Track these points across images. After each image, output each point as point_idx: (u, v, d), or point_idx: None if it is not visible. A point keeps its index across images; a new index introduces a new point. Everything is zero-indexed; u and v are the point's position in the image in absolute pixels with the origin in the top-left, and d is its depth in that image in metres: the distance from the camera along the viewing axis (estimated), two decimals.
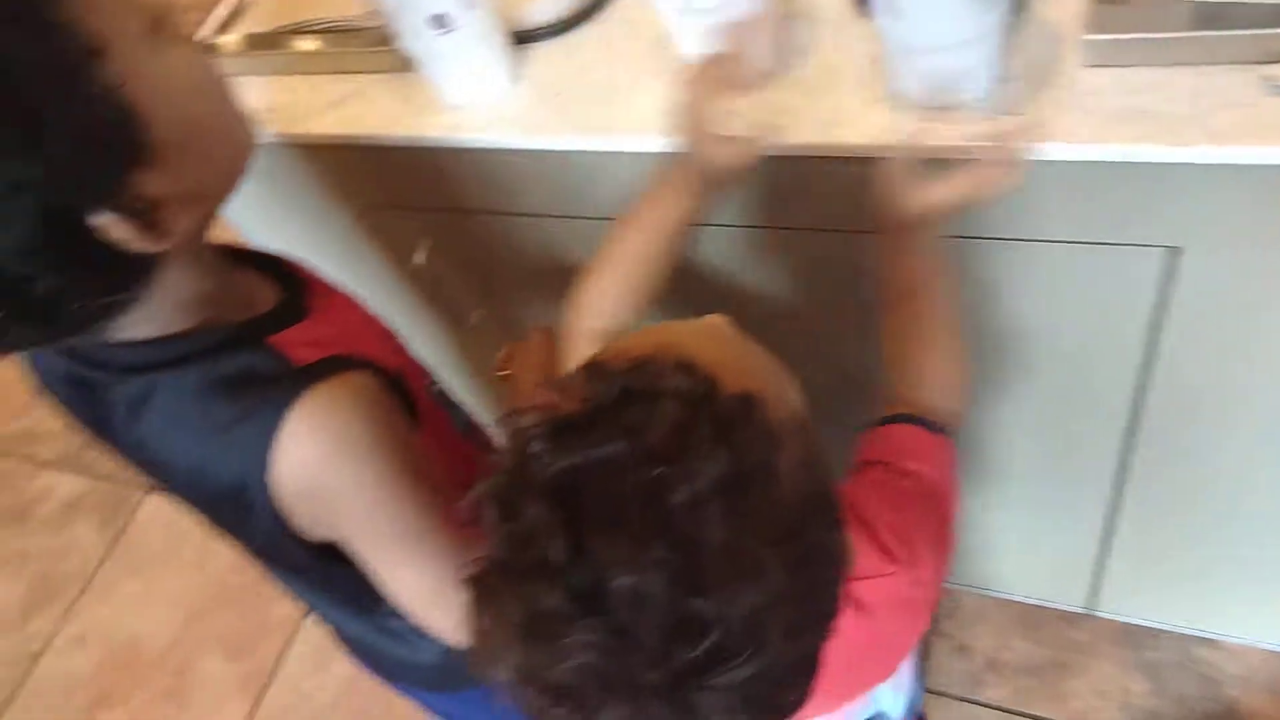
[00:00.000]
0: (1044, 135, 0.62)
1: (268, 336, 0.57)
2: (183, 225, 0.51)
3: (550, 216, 0.88)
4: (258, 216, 1.02)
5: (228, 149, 0.55)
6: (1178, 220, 0.67)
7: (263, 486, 0.54)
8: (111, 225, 0.47)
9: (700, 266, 0.88)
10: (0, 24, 0.42)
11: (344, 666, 1.55)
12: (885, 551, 0.57)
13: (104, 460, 2.08)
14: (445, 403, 0.79)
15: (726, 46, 0.67)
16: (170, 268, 0.53)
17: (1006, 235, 0.73)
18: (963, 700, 1.26)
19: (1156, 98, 0.61)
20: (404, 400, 0.61)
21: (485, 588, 0.43)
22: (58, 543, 1.91)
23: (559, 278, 0.97)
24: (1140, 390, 0.82)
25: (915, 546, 0.58)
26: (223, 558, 1.77)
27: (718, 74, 0.64)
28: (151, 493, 1.92)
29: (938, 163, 0.61)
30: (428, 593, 0.61)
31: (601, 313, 0.69)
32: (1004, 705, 1.25)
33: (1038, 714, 1.23)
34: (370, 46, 0.87)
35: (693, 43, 0.73)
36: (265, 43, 0.94)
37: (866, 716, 0.68)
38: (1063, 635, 1.28)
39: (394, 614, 0.75)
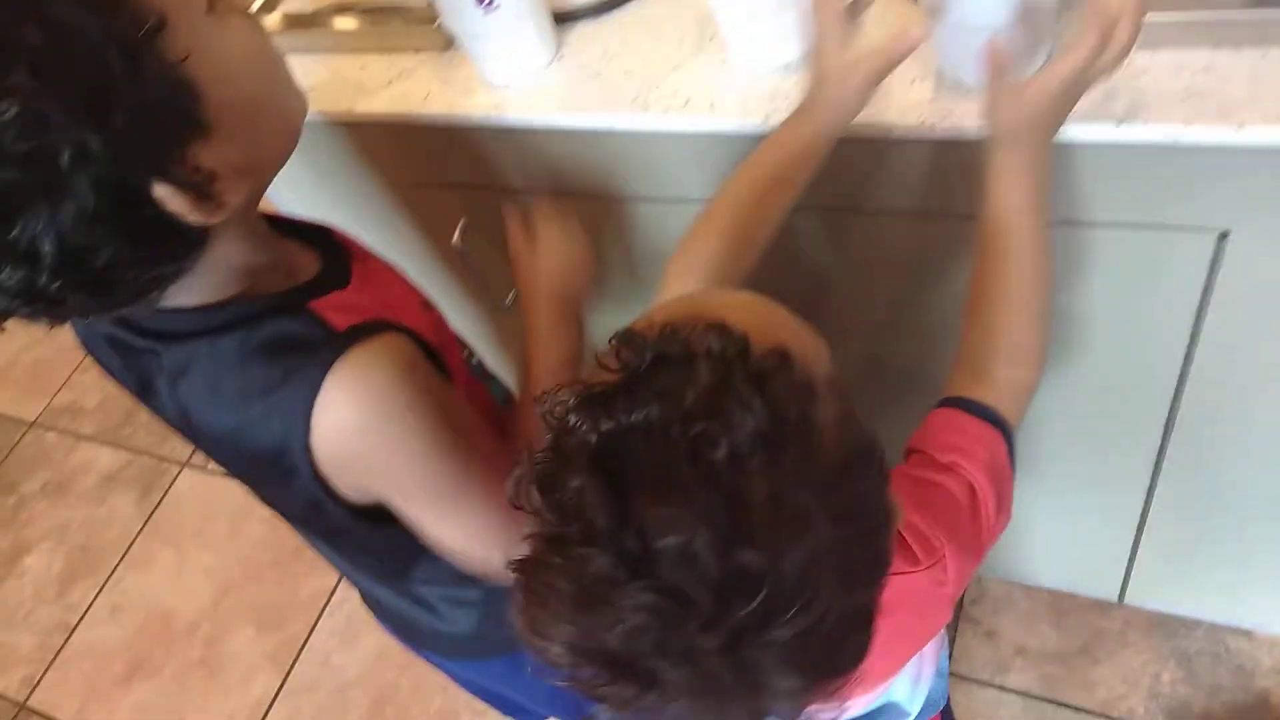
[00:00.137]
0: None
1: (308, 302, 0.58)
2: (236, 198, 0.51)
3: (590, 196, 0.88)
4: (297, 195, 1.03)
5: (280, 121, 0.56)
6: (1227, 203, 0.66)
7: (304, 450, 0.55)
8: (169, 197, 0.48)
9: None
10: None
11: (372, 641, 1.58)
12: (906, 550, 0.57)
13: (142, 434, 2.14)
14: (483, 375, 0.80)
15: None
16: (221, 239, 0.54)
17: (1051, 218, 0.72)
18: (988, 685, 1.26)
19: (1213, 79, 0.60)
20: (440, 366, 0.62)
21: (532, 566, 0.43)
22: (96, 515, 1.95)
23: (595, 258, 0.98)
24: (1181, 378, 0.82)
25: (939, 546, 0.58)
26: (255, 532, 1.80)
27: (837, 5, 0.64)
28: (187, 467, 1.96)
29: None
30: (477, 541, 0.62)
31: (707, 255, 0.67)
32: (1030, 691, 1.25)
33: (1064, 701, 1.23)
34: (412, 25, 0.87)
35: (736, 23, 0.73)
36: (306, 22, 0.94)
37: (876, 706, 0.67)
38: (1093, 623, 1.27)
39: (426, 583, 0.77)
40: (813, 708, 0.45)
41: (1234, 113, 0.59)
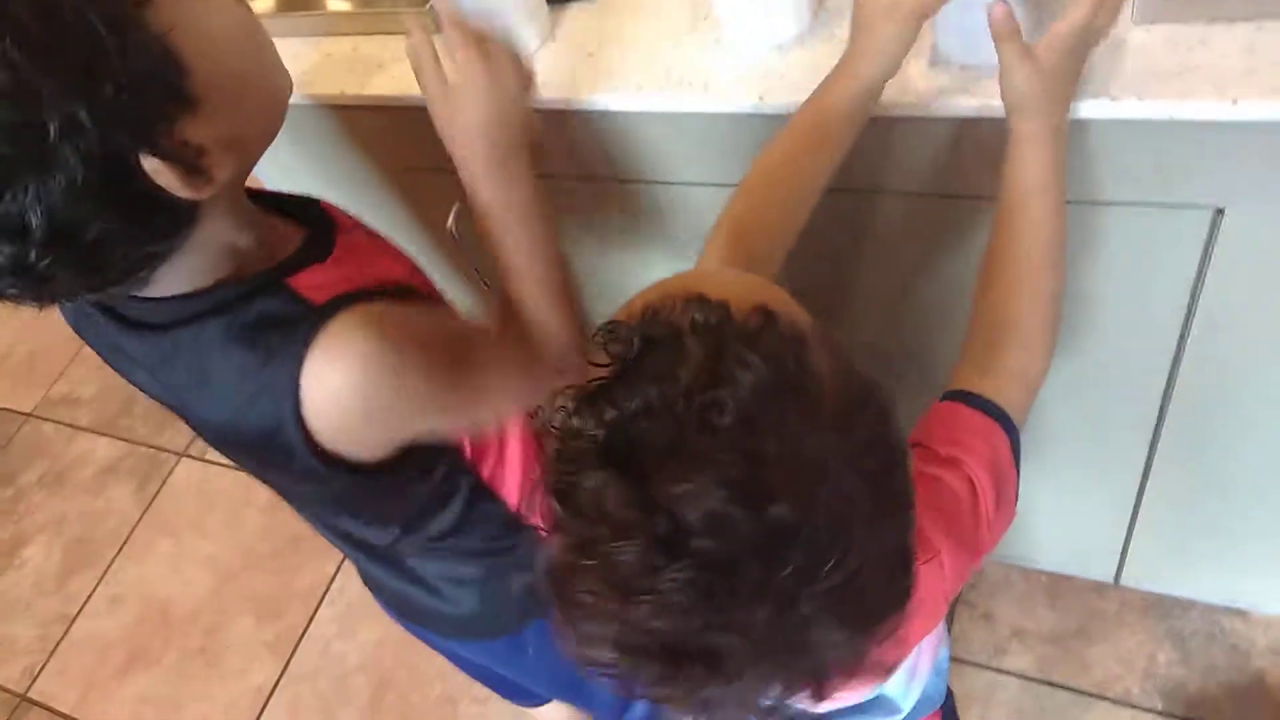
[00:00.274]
0: None
1: (286, 279, 0.58)
2: (224, 174, 0.52)
3: (582, 178, 0.88)
4: (290, 180, 1.02)
5: (266, 98, 0.57)
6: (1222, 180, 0.66)
7: (297, 425, 0.55)
8: (158, 170, 0.48)
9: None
10: None
11: (372, 629, 1.58)
12: None
13: (139, 424, 2.14)
14: None
15: None
16: (209, 217, 0.54)
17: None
18: (985, 668, 1.27)
19: (1209, 53, 0.60)
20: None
21: (564, 578, 0.42)
22: (95, 506, 1.95)
23: (590, 240, 0.97)
24: (1177, 357, 0.82)
25: (936, 542, 0.57)
26: (254, 522, 1.80)
27: None
28: (185, 457, 1.96)
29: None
30: (516, 406, 0.67)
31: (748, 223, 0.65)
32: (1027, 673, 1.25)
33: (1061, 682, 1.24)
34: (404, 7, 0.87)
35: (730, 2, 0.73)
36: (299, 4, 0.94)
37: (868, 699, 0.67)
38: (1089, 605, 1.28)
39: (426, 560, 0.77)
40: (871, 658, 0.45)
41: (1229, 88, 0.59)
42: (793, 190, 0.66)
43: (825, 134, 0.65)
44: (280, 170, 1.02)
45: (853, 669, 0.45)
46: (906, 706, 0.67)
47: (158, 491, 1.93)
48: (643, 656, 0.41)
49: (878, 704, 0.67)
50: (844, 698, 0.66)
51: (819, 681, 0.44)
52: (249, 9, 0.56)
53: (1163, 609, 1.25)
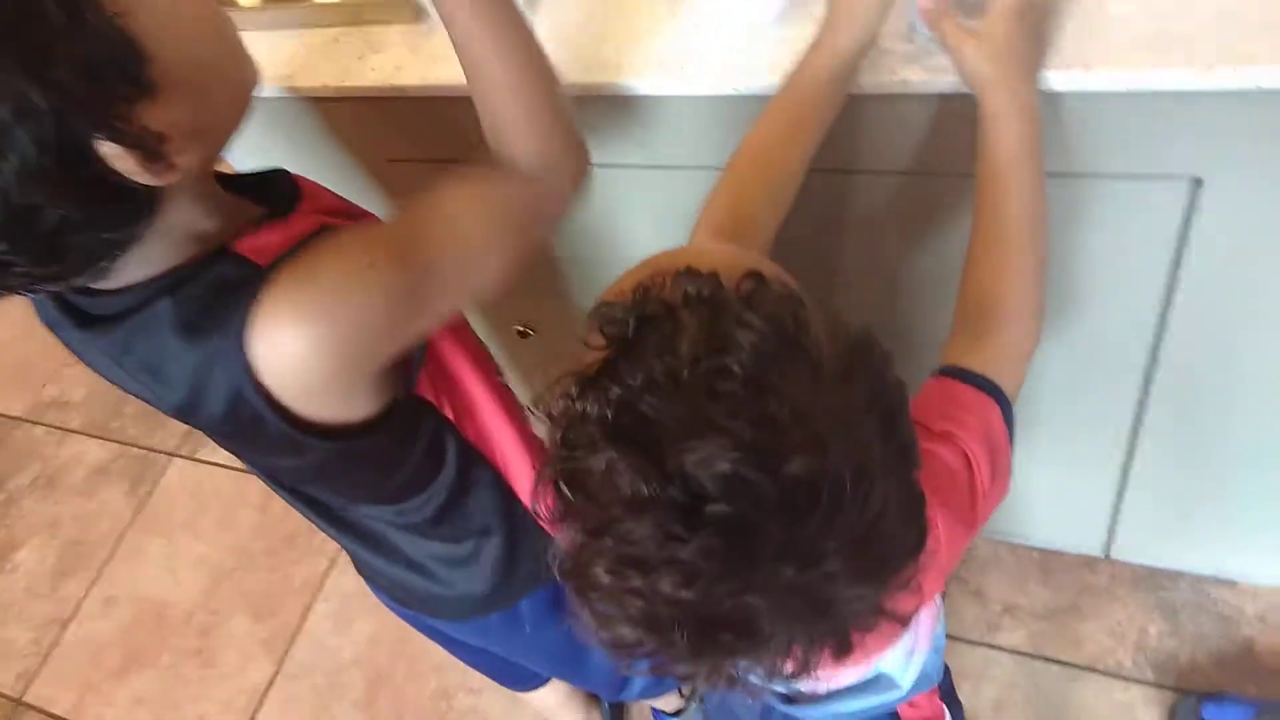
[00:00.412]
0: None
1: (234, 244, 0.56)
2: (186, 161, 0.51)
3: None
4: None
5: (231, 86, 0.56)
6: (1199, 149, 0.66)
7: (257, 390, 0.54)
8: (116, 156, 0.47)
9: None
10: None
11: (366, 625, 1.58)
12: None
13: (130, 426, 2.13)
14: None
15: None
16: (174, 204, 0.53)
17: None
18: (978, 644, 1.28)
19: (1183, 23, 0.60)
20: None
21: (583, 563, 0.42)
22: (87, 508, 1.94)
23: (573, 229, 0.97)
24: (1160, 329, 0.82)
25: (931, 514, 0.56)
26: (247, 521, 1.80)
27: None
28: (176, 457, 1.95)
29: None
30: (515, 248, 0.62)
31: (734, 206, 0.65)
32: (1020, 649, 1.26)
33: (1054, 657, 1.25)
34: None
35: None
36: None
37: (868, 677, 0.67)
38: (1080, 579, 1.29)
39: (424, 543, 0.76)
40: (889, 608, 0.45)
41: (1202, 55, 0.59)
42: (779, 170, 0.66)
43: (807, 111, 0.65)
44: (262, 164, 1.01)
45: (873, 622, 0.45)
46: (906, 684, 0.68)
47: (150, 493, 1.92)
48: (672, 630, 0.41)
49: (878, 682, 0.68)
50: (846, 676, 0.66)
51: (841, 639, 0.45)
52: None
53: (1153, 581, 1.26)
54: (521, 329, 1.14)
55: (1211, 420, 0.91)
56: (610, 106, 0.79)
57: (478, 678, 1.44)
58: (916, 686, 0.69)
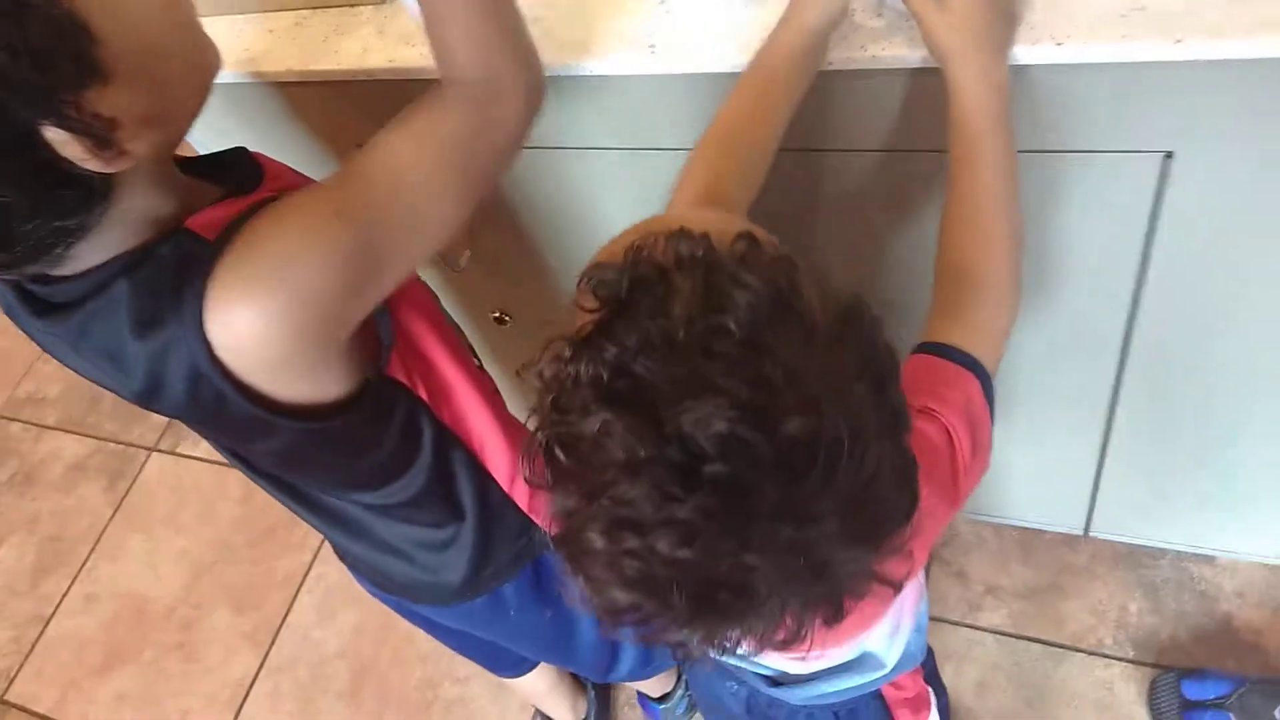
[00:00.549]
0: None
1: (187, 221, 0.55)
2: (140, 148, 0.50)
3: (537, 147, 0.86)
4: None
5: (188, 69, 0.55)
6: (1169, 123, 0.66)
7: (216, 366, 0.52)
8: (64, 142, 0.46)
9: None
10: None
11: (350, 616, 1.58)
12: None
13: (107, 421, 2.11)
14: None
15: None
16: (129, 191, 0.52)
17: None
18: (960, 625, 1.28)
19: None
20: None
21: (575, 526, 0.42)
22: (66, 505, 1.92)
23: (547, 214, 0.96)
24: (1134, 303, 0.82)
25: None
26: (228, 514, 1.79)
27: None
28: (155, 452, 1.93)
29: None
30: (476, 194, 0.59)
31: (707, 180, 0.64)
32: (1002, 629, 1.27)
33: (1036, 636, 1.25)
34: None
35: None
36: None
37: (853, 657, 0.68)
38: (1061, 559, 1.29)
39: (404, 527, 0.76)
40: (882, 573, 0.45)
41: (1171, 29, 0.59)
42: (751, 147, 0.65)
43: (777, 88, 0.65)
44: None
45: (866, 587, 0.45)
46: (890, 662, 0.68)
47: (129, 488, 1.90)
48: (670, 592, 0.41)
49: (863, 662, 0.68)
50: (832, 655, 0.66)
51: (834, 604, 0.44)
52: None
53: (1133, 560, 1.27)
54: (498, 316, 1.13)
55: (1187, 396, 0.91)
56: (580, 88, 0.78)
57: (464, 667, 1.45)
58: (900, 666, 0.69)
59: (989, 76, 0.59)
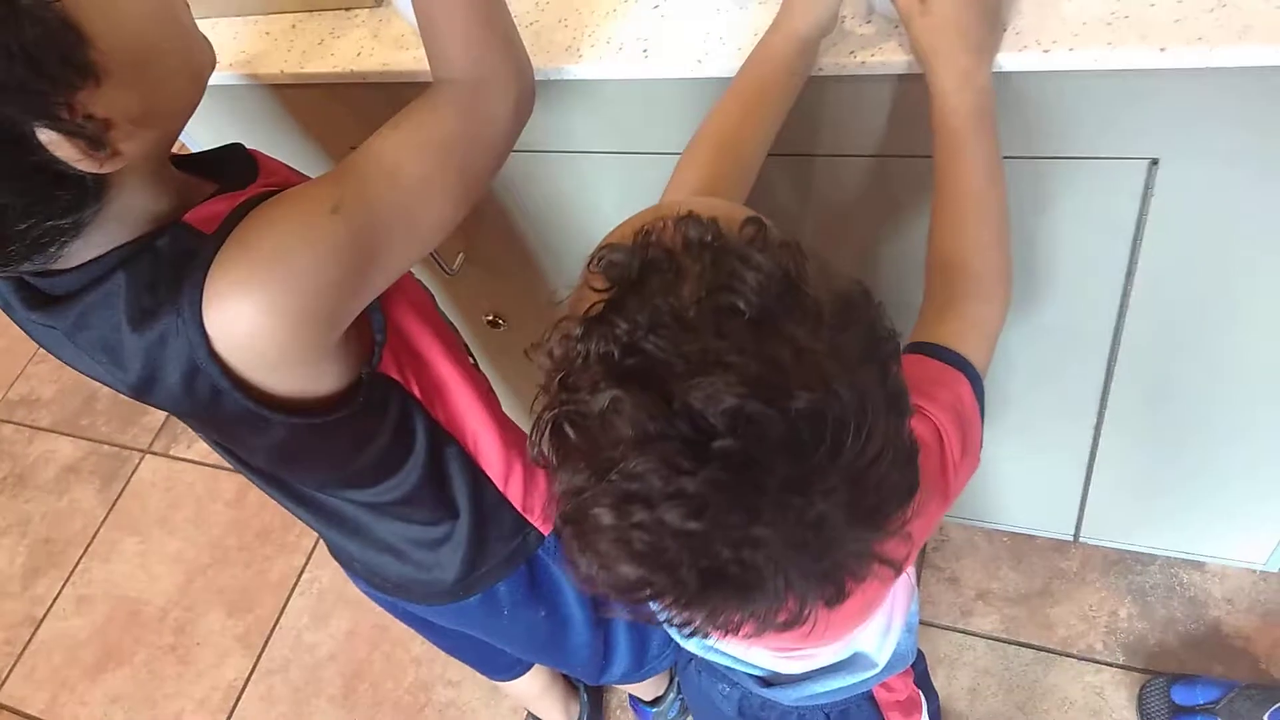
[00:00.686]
0: None
1: (184, 216, 0.56)
2: (133, 148, 0.50)
3: (530, 151, 0.87)
4: None
5: (182, 72, 0.55)
6: (1154, 130, 0.66)
7: (211, 359, 0.53)
8: (57, 143, 0.47)
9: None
10: None
11: (343, 619, 1.58)
12: None
13: (101, 423, 2.11)
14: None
15: None
16: (123, 189, 0.53)
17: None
18: (951, 630, 1.29)
19: (1138, 3, 0.61)
20: None
21: (583, 503, 0.42)
22: (59, 507, 1.92)
23: (541, 217, 0.97)
24: (1121, 310, 0.83)
25: None
26: (222, 517, 1.78)
27: None
28: (149, 454, 1.93)
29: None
30: (465, 202, 0.60)
31: (695, 185, 0.65)
32: (993, 634, 1.27)
33: (1026, 641, 1.26)
34: None
35: None
36: None
37: (844, 656, 0.68)
38: (1051, 564, 1.30)
39: (399, 525, 0.76)
40: (883, 553, 0.46)
41: (1156, 37, 0.59)
42: (740, 152, 0.66)
43: (767, 95, 0.65)
44: None
45: (867, 568, 0.45)
46: (881, 662, 0.68)
47: (122, 490, 1.90)
48: (679, 566, 0.41)
49: (854, 661, 0.68)
50: (824, 655, 0.66)
51: (837, 584, 0.45)
52: None
53: (1123, 565, 1.27)
54: (491, 319, 1.13)
55: (1174, 402, 0.92)
56: (573, 91, 0.79)
57: (456, 670, 1.45)
58: (891, 666, 0.70)
59: (971, 79, 0.60)
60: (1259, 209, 0.69)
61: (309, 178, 0.69)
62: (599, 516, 0.41)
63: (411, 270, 0.72)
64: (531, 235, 1.01)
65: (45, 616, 1.76)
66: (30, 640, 1.74)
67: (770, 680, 0.71)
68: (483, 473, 0.76)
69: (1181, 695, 1.14)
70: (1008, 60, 0.63)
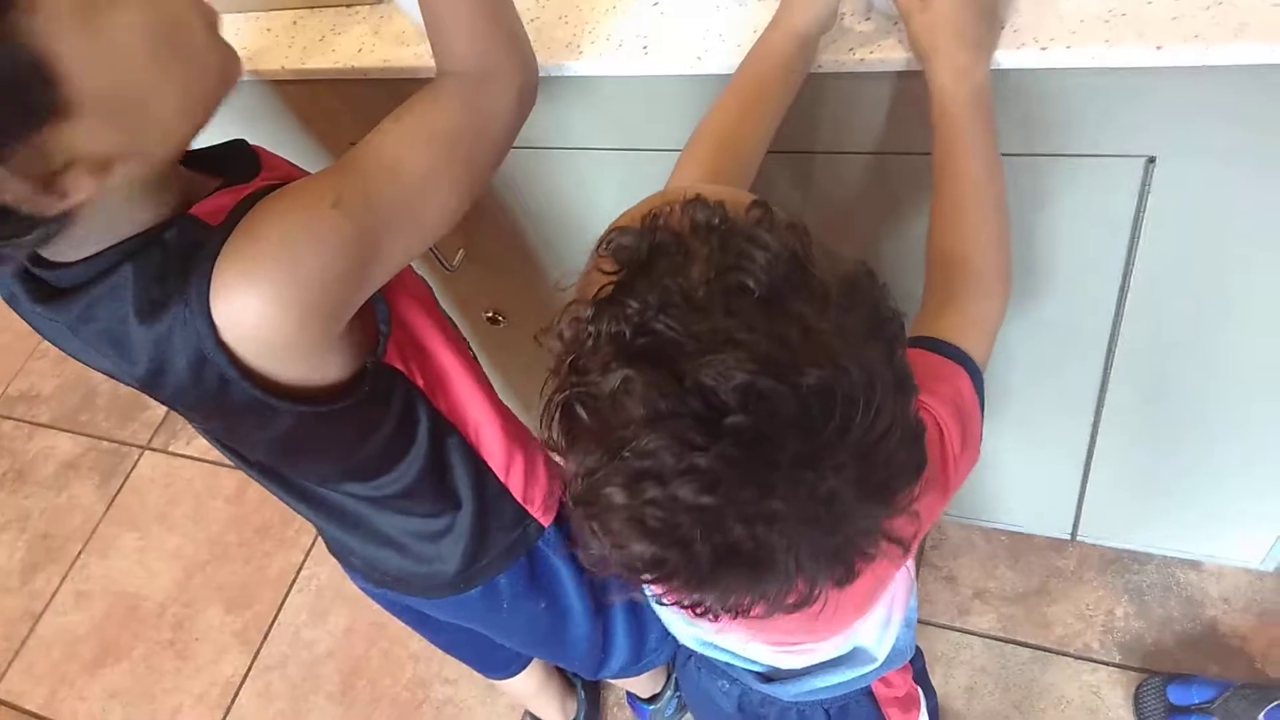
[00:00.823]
0: None
1: (190, 209, 0.56)
2: (84, 192, 0.49)
3: (530, 148, 0.87)
4: None
5: (178, 109, 0.54)
6: (1152, 128, 0.67)
7: (221, 350, 0.53)
8: (3, 181, 0.46)
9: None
10: None
11: (342, 616, 1.58)
12: None
13: (100, 419, 2.11)
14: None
15: None
16: (101, 210, 0.52)
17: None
18: (949, 628, 1.29)
19: (1135, 1, 0.61)
20: None
21: (594, 482, 0.42)
22: (58, 502, 1.92)
23: (541, 214, 0.97)
24: (1119, 308, 0.83)
25: None
26: (220, 513, 1.79)
27: None
28: (148, 450, 1.93)
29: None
30: (472, 184, 0.61)
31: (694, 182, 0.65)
32: (991, 633, 1.27)
33: (1023, 640, 1.26)
34: None
35: None
36: None
37: (844, 651, 0.68)
38: (1049, 563, 1.30)
39: (399, 518, 0.76)
40: (892, 532, 0.46)
41: (1153, 34, 0.60)
42: (740, 149, 0.66)
43: (766, 92, 0.65)
44: None
45: (876, 547, 0.46)
46: (880, 656, 0.69)
47: (121, 486, 1.90)
48: (692, 542, 0.41)
49: (854, 656, 0.68)
50: (825, 649, 0.67)
51: (847, 563, 0.45)
52: (162, 20, 0.51)
53: (1120, 565, 1.27)
54: (491, 315, 1.13)
55: (1171, 399, 0.92)
56: (573, 88, 0.79)
57: (454, 668, 1.45)
58: (890, 661, 0.70)
59: (968, 75, 0.60)
60: (1255, 206, 0.70)
61: (310, 173, 0.69)
62: (611, 495, 0.42)
63: (412, 265, 0.73)
64: (531, 232, 1.01)
65: (44, 612, 1.76)
66: (29, 635, 1.74)
67: (770, 676, 0.71)
68: (484, 463, 0.77)
69: (1177, 694, 1.14)
70: (1006, 58, 0.63)
